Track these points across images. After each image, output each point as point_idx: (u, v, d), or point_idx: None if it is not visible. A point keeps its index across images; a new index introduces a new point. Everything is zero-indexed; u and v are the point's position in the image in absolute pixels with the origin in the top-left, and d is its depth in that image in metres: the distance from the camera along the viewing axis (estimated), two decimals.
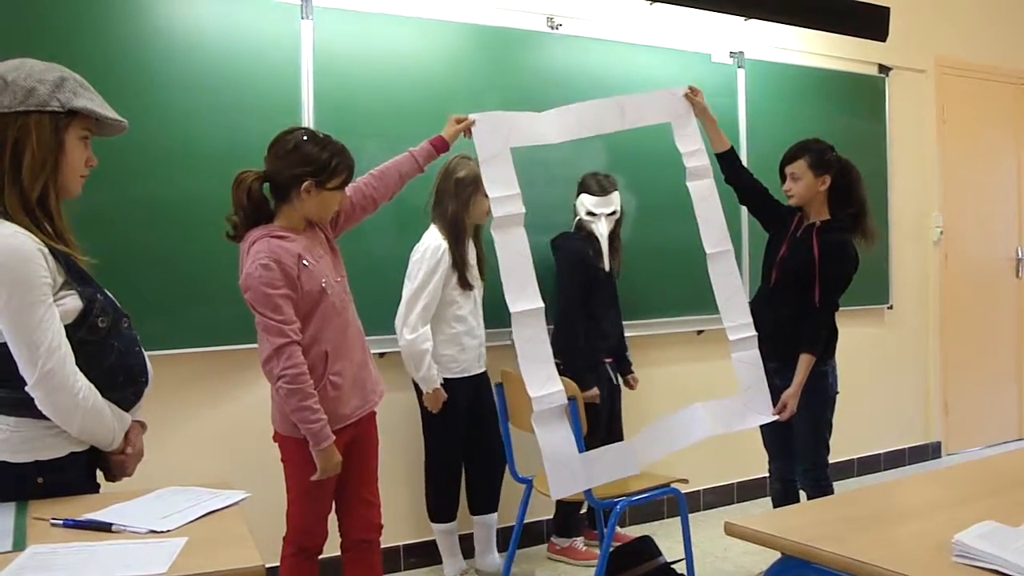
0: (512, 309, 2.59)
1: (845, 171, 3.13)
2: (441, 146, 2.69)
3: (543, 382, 2.57)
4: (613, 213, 3.58)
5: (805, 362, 3.02)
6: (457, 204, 3.23)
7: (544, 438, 2.54)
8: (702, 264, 2.92)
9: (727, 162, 3.23)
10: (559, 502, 3.63)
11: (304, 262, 2.32)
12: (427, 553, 3.64)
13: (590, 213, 3.56)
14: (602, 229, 3.56)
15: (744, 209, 3.81)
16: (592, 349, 3.57)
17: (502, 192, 2.65)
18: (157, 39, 3.07)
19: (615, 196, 3.58)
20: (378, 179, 2.62)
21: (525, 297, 2.60)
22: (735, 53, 4.38)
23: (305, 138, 2.37)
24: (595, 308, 3.57)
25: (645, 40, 4.12)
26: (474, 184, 3.16)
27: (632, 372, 3.80)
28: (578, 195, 3.62)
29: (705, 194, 2.91)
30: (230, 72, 3.18)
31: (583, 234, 3.61)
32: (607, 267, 3.58)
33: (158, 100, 3.05)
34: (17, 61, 1.72)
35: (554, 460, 2.55)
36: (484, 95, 3.61)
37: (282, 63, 3.28)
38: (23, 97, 1.68)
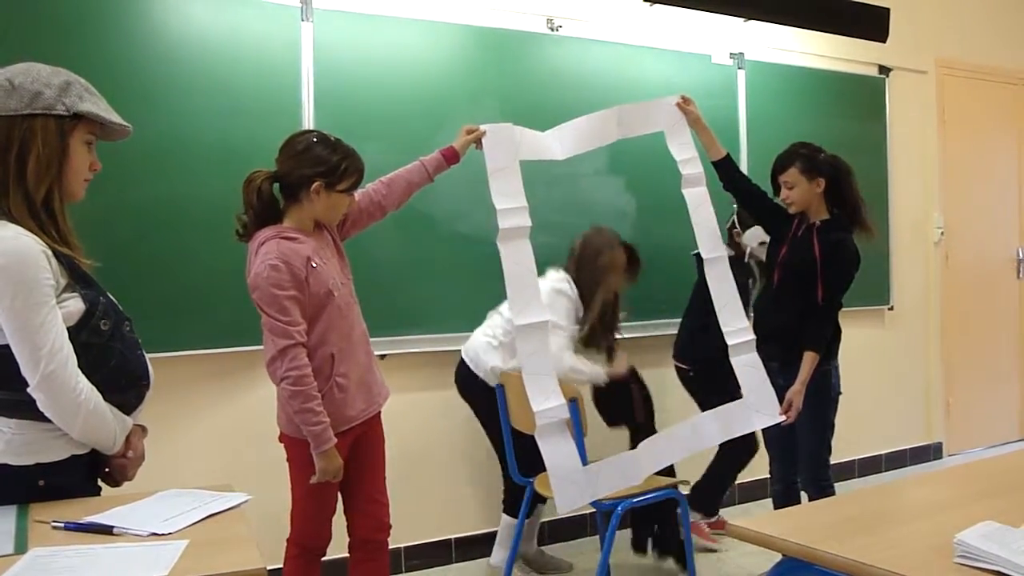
0: (516, 322, 2.60)
1: (837, 172, 3.13)
2: (451, 156, 2.70)
3: (546, 396, 2.58)
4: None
5: (809, 360, 3.02)
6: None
7: (548, 452, 2.55)
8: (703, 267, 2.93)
9: (724, 170, 3.23)
10: (712, 474, 3.82)
11: (313, 264, 2.32)
12: (428, 555, 3.65)
13: (762, 243, 3.59)
14: (763, 257, 3.61)
15: None
16: None
17: (509, 204, 2.66)
18: (157, 42, 3.08)
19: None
20: (387, 187, 2.63)
21: (529, 310, 2.61)
22: (735, 54, 4.39)
23: (316, 140, 2.38)
24: None
25: (645, 42, 4.12)
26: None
27: None
28: (745, 227, 3.71)
29: (700, 201, 2.93)
30: (231, 75, 3.19)
31: (753, 262, 3.77)
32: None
33: (159, 103, 3.06)
34: (24, 65, 1.73)
35: (559, 474, 2.55)
36: (484, 97, 3.62)
37: (282, 65, 3.28)
38: (29, 100, 1.68)
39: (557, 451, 2.56)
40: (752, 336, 2.91)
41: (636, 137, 3.00)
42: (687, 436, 2.80)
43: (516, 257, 2.66)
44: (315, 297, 2.33)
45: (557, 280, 3.34)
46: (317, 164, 2.34)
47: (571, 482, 2.56)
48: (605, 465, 2.67)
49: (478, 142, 2.71)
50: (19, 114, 1.68)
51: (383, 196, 2.62)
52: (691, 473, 3.59)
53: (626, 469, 2.68)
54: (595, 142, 2.91)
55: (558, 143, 2.84)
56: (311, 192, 2.35)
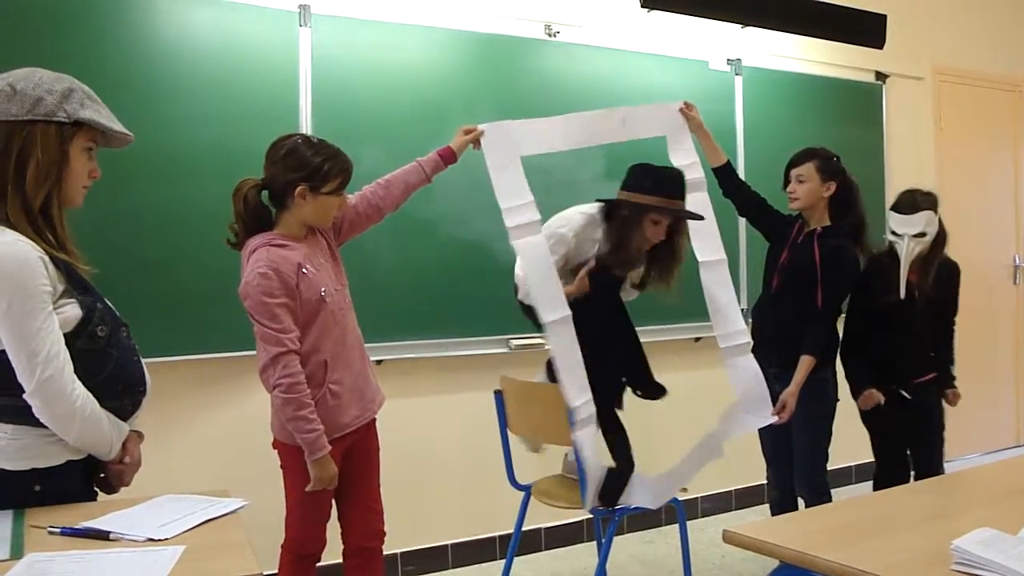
0: (544, 320, 2.60)
1: (848, 183, 3.14)
2: (449, 157, 2.69)
3: (580, 391, 2.61)
4: (921, 235, 3.16)
5: (805, 363, 3.02)
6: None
7: (585, 450, 2.59)
8: (699, 271, 2.93)
9: (724, 176, 3.25)
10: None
11: (303, 270, 2.31)
12: (424, 560, 3.64)
13: (894, 233, 3.20)
14: (907, 252, 3.15)
15: (742, 219, 3.82)
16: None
17: (514, 202, 2.66)
18: (155, 47, 3.08)
19: (922, 216, 3.16)
20: (384, 188, 2.62)
21: (553, 306, 2.62)
22: (732, 60, 4.39)
23: (298, 143, 2.36)
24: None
25: (642, 48, 4.13)
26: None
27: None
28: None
29: (700, 206, 2.94)
30: (228, 79, 3.19)
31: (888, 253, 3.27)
32: (901, 293, 3.16)
33: (156, 107, 3.05)
34: (27, 70, 1.72)
35: (593, 475, 2.59)
36: (482, 102, 3.62)
37: (280, 70, 3.28)
38: (30, 106, 1.68)
39: (593, 450, 2.61)
40: (748, 340, 2.91)
41: (637, 143, 3.00)
42: (700, 453, 2.88)
43: (532, 254, 2.67)
44: (307, 304, 2.32)
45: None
46: (299, 168, 2.32)
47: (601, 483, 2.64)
48: (638, 479, 2.77)
49: (476, 142, 2.71)
50: (20, 120, 1.67)
51: (380, 198, 2.61)
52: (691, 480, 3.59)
53: (657, 489, 2.81)
54: (597, 138, 2.92)
55: (561, 134, 2.85)
56: (296, 196, 2.33)
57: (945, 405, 3.38)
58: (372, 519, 2.58)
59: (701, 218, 2.91)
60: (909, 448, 3.38)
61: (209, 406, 3.27)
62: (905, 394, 3.24)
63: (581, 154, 3.39)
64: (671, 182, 2.90)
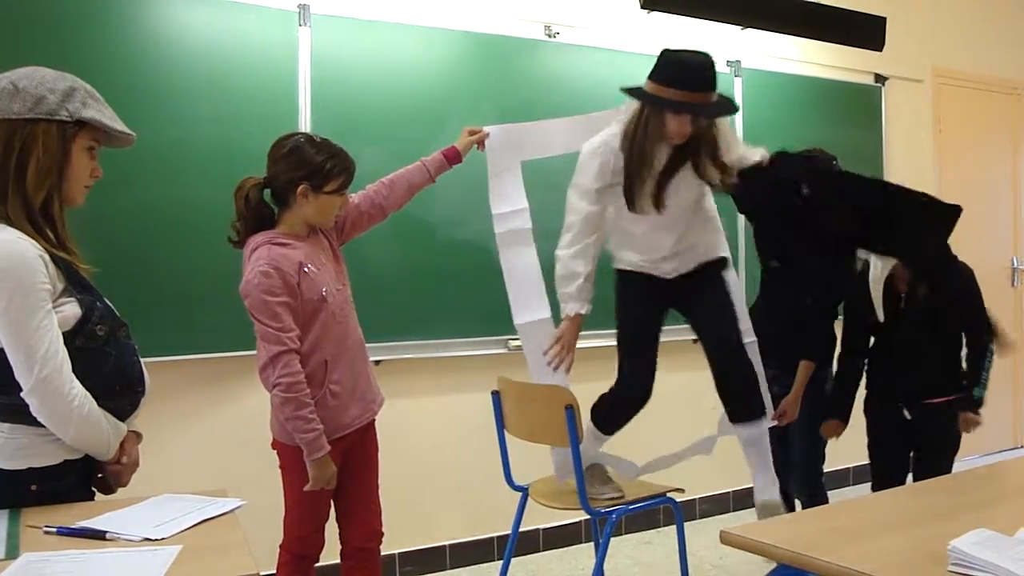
0: (516, 321, 2.61)
1: None
2: (453, 156, 2.70)
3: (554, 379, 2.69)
4: None
5: (805, 368, 3.02)
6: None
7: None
8: None
9: None
10: None
11: (305, 269, 2.31)
12: (422, 561, 3.64)
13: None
14: (876, 272, 2.97)
15: (741, 217, 3.81)
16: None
17: (508, 207, 2.68)
18: (154, 46, 3.08)
19: None
20: (388, 188, 2.62)
21: (529, 309, 2.63)
22: (732, 62, 4.40)
23: (301, 142, 2.37)
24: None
25: (642, 48, 4.12)
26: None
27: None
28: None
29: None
30: (228, 79, 3.19)
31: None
32: (879, 315, 3.02)
33: (155, 107, 3.06)
34: (29, 69, 1.72)
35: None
36: (482, 103, 3.63)
37: (280, 70, 3.29)
38: (32, 105, 1.68)
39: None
40: (752, 339, 2.91)
41: None
42: (690, 450, 2.90)
43: (516, 259, 2.68)
44: (308, 303, 2.32)
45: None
46: (301, 167, 2.33)
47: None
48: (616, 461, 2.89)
49: (480, 143, 2.71)
50: (21, 118, 1.68)
51: (384, 197, 2.61)
52: (687, 479, 3.59)
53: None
54: None
55: (563, 137, 2.86)
56: (298, 195, 2.33)
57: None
58: (370, 519, 2.57)
59: (734, 111, 2.52)
60: (912, 464, 3.21)
61: (208, 406, 3.27)
62: (906, 414, 3.14)
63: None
64: (692, 72, 2.46)
